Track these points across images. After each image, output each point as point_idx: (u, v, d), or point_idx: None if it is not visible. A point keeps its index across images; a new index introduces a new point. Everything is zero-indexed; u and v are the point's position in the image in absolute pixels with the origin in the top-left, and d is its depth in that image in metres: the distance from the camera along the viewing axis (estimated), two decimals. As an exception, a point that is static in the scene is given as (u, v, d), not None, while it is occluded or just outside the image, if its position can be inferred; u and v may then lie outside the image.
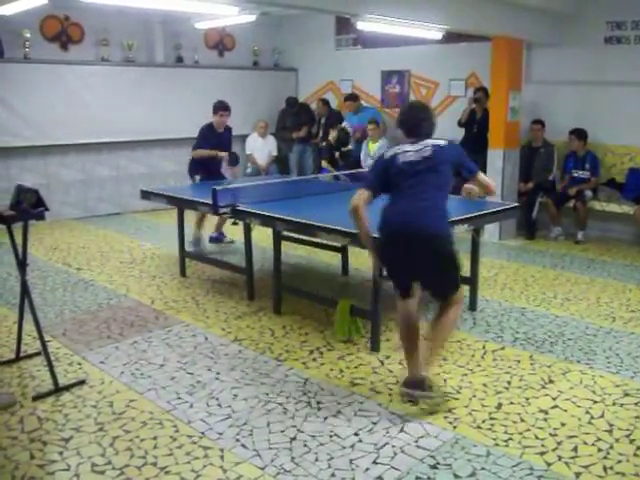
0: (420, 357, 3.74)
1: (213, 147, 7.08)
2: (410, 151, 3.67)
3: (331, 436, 3.38)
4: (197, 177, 7.13)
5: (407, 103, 3.93)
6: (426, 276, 3.73)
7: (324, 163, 9.60)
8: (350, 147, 9.61)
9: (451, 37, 8.30)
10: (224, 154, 7.08)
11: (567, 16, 7.83)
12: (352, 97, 9.84)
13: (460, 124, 8.65)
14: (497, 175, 7.78)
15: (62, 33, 8.96)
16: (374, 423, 3.51)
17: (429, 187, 3.63)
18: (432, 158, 3.64)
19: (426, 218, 3.60)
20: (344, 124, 9.73)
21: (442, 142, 3.76)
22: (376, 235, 3.76)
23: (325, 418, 3.56)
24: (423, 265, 3.65)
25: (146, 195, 6.20)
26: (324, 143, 9.94)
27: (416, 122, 3.78)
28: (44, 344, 3.86)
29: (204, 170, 7.04)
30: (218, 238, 7.56)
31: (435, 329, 3.78)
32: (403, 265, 3.72)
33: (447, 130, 8.86)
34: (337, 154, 9.52)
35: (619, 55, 7.71)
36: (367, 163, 8.99)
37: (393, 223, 3.65)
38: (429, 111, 3.87)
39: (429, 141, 3.72)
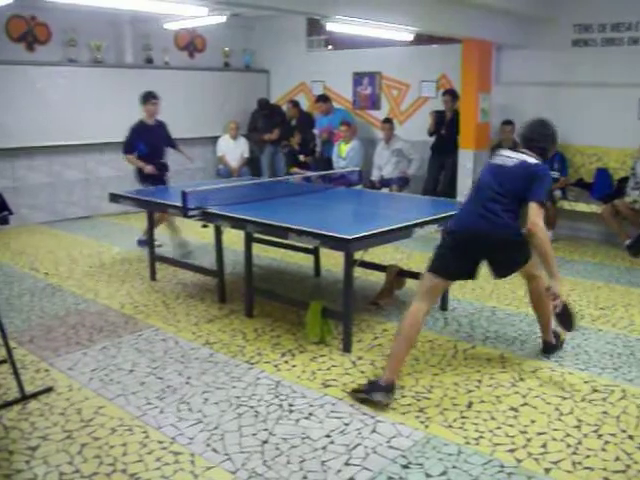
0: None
1: (150, 145, 7.13)
2: (503, 155, 4.03)
3: (303, 438, 3.36)
4: (143, 186, 7.05)
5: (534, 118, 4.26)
6: (492, 267, 4.11)
7: (294, 169, 9.52)
8: (318, 149, 9.63)
9: (422, 39, 8.36)
10: (150, 169, 7.07)
11: (536, 19, 7.92)
12: (323, 98, 9.84)
13: (430, 134, 8.72)
14: (467, 176, 7.87)
15: (28, 33, 8.81)
16: (346, 424, 3.50)
17: (500, 197, 3.87)
18: (512, 171, 3.90)
19: (490, 227, 3.86)
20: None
21: (533, 160, 3.92)
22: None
23: (297, 420, 3.55)
24: (487, 259, 4.05)
25: (115, 198, 6.13)
26: (285, 149, 9.92)
27: (527, 134, 4.07)
28: (10, 351, 3.77)
29: (151, 177, 7.08)
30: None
31: (536, 305, 4.31)
32: (457, 262, 4.00)
33: (418, 131, 8.97)
34: (302, 157, 9.48)
35: (586, 57, 7.83)
36: (338, 165, 8.99)
37: (458, 223, 4.03)
38: (546, 127, 4.08)
39: (523, 155, 3.95)
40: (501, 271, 4.15)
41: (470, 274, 4.10)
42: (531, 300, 4.35)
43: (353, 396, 3.79)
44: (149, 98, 7.16)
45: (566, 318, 4.01)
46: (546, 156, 4.05)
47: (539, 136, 4.03)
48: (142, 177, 7.16)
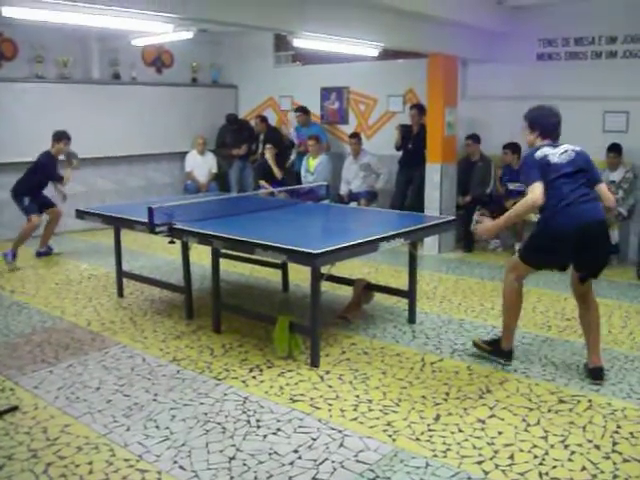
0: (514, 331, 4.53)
1: (48, 178, 7.72)
2: (557, 154, 4.13)
3: (270, 454, 3.35)
4: (27, 199, 7.57)
5: (540, 106, 4.36)
6: (594, 259, 4.18)
7: (262, 182, 9.51)
8: (292, 158, 9.65)
9: (388, 54, 8.43)
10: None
11: (500, 33, 8.06)
12: (303, 109, 9.83)
13: (397, 148, 8.78)
14: (435, 189, 7.93)
15: (-6, 50, 8.77)
16: (314, 439, 3.50)
17: (584, 186, 4.09)
18: (577, 160, 4.12)
19: (598, 212, 4.08)
20: (290, 132, 9.76)
21: (578, 147, 4.22)
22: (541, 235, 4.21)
23: (264, 436, 3.53)
24: (597, 250, 4.15)
25: (81, 214, 6.08)
26: (256, 164, 9.93)
27: (554, 125, 4.25)
28: (-27, 370, 3.74)
29: (32, 192, 7.62)
30: (47, 252, 8.03)
31: (592, 323, 4.30)
32: (572, 255, 4.14)
33: (386, 146, 9.03)
34: (274, 168, 9.47)
35: (551, 71, 7.97)
36: (307, 180, 9.01)
37: (572, 223, 3.98)
38: (559, 114, 4.28)
39: (568, 145, 4.19)
40: (599, 268, 4.30)
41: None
42: (590, 320, 4.31)
43: (476, 345, 4.62)
44: (63, 138, 7.64)
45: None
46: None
47: (558, 125, 4.26)
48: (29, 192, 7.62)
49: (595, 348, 4.30)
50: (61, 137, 7.59)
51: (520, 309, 4.47)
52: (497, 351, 4.52)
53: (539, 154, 4.12)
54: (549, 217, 4.07)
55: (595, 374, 4.25)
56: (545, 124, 4.24)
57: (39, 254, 7.93)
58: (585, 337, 4.38)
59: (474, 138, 8.30)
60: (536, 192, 3.98)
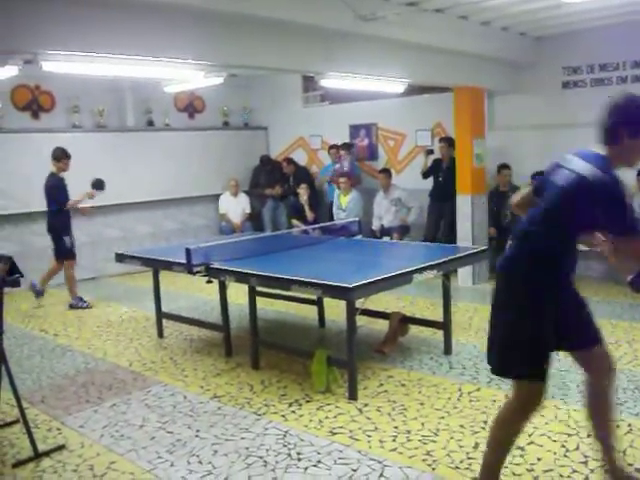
0: None
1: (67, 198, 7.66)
2: None
3: (312, 486, 3.40)
4: (67, 238, 7.65)
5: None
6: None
7: (294, 221, 9.70)
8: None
9: (414, 89, 8.56)
10: (91, 192, 7.71)
11: (525, 64, 8.16)
12: (347, 146, 9.92)
13: (424, 176, 8.87)
14: (466, 220, 7.97)
15: (33, 102, 9.11)
16: (354, 470, 3.54)
17: None
18: None
19: None
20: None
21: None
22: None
23: (305, 468, 3.58)
24: None
25: (120, 258, 6.24)
26: (289, 201, 10.18)
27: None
28: (22, 411, 3.84)
29: (68, 227, 7.65)
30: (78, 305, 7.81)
31: (603, 406, 3.24)
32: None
33: (416, 180, 9.11)
34: (307, 209, 9.63)
35: (577, 98, 8.01)
36: (339, 216, 9.12)
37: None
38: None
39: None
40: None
41: None
42: (602, 403, 3.25)
43: None
44: (64, 157, 7.54)
45: None
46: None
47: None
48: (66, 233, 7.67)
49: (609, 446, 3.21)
50: (62, 156, 7.49)
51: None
52: None
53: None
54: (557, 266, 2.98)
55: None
56: None
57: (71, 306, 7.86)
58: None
59: (508, 168, 8.31)
60: None
